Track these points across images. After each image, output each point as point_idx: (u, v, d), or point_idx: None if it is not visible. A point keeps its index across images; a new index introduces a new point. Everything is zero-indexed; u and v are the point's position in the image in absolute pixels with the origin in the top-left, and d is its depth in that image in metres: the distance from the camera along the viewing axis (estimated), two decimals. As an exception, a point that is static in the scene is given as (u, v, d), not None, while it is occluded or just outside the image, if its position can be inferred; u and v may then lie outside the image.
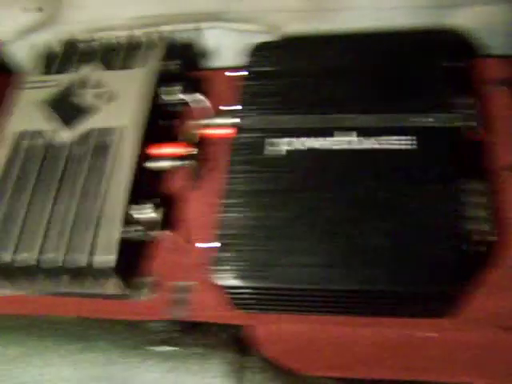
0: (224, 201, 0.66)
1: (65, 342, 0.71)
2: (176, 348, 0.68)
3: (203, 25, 0.85)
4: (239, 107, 0.72)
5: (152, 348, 0.68)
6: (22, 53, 0.90)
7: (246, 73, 0.75)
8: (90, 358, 0.70)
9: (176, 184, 0.77)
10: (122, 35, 0.84)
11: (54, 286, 0.70)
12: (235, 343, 0.68)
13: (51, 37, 0.86)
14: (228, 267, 0.62)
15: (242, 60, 0.84)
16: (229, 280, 0.62)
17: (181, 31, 0.85)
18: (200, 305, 0.69)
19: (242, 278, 0.62)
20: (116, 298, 0.70)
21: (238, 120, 0.71)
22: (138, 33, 0.84)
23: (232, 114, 0.72)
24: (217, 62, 0.90)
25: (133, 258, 0.70)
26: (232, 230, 0.64)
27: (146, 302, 0.70)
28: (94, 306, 0.71)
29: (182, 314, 0.69)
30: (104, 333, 0.72)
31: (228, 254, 0.63)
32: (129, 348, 0.70)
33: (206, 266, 0.65)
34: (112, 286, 0.68)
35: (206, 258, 0.66)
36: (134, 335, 0.71)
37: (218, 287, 0.66)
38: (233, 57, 0.88)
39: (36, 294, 0.72)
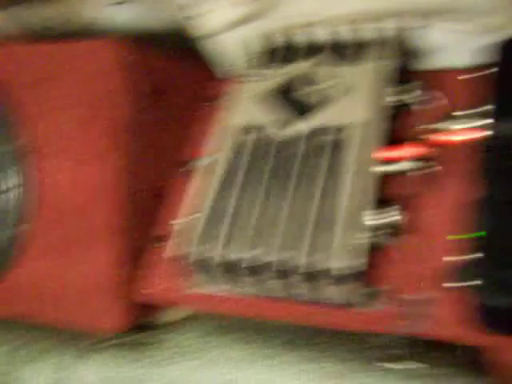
0: (481, 210, 0.60)
1: (288, 349, 0.68)
2: (411, 366, 0.63)
3: (428, 22, 0.80)
4: (490, 108, 0.66)
5: (384, 365, 0.64)
6: (231, 46, 0.89)
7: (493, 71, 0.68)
8: (313, 370, 0.66)
9: (410, 188, 0.71)
10: (338, 30, 0.81)
11: (280, 289, 0.66)
12: (478, 367, 0.62)
13: (261, 30, 0.84)
14: (492, 285, 0.56)
15: (463, 60, 0.79)
16: (493, 299, 0.56)
17: (403, 28, 0.80)
18: (438, 321, 0.62)
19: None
20: (343, 306, 0.65)
21: (489, 123, 0.65)
22: (358, 28, 0.80)
23: (478, 116, 0.67)
24: (438, 62, 0.84)
25: (369, 264, 0.65)
26: (493, 243, 0.58)
27: (376, 313, 0.65)
28: (318, 313, 0.66)
29: (417, 329, 0.63)
30: (327, 344, 0.68)
31: (492, 271, 0.57)
32: (355, 362, 0.65)
33: (447, 278, 0.60)
34: (346, 293, 0.63)
35: (447, 269, 0.60)
36: (360, 349, 0.66)
37: (461, 303, 0.60)
38: (454, 57, 0.82)
39: (257, 295, 0.69)
